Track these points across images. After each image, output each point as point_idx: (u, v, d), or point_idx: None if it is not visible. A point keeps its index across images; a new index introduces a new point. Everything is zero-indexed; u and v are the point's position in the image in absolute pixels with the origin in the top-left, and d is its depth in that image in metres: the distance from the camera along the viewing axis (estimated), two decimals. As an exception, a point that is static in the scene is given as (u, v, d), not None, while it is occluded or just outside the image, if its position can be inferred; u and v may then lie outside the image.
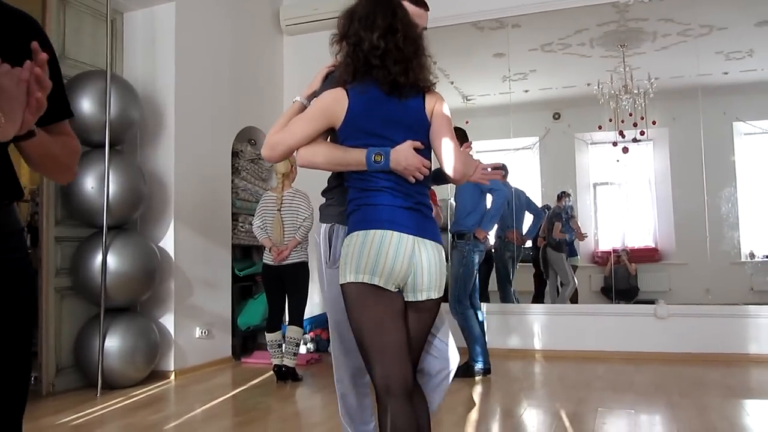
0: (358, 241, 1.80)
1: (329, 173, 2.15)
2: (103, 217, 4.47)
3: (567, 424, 3.49)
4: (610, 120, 6.92)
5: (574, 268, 6.96)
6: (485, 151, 7.40)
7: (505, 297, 6.40)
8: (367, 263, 1.77)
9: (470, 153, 2.12)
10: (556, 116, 7.78)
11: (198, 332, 5.24)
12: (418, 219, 1.85)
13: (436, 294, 1.85)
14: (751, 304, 5.75)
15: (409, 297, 1.84)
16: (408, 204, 1.84)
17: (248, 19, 6.26)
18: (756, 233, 6.94)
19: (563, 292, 6.72)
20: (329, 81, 1.98)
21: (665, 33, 6.48)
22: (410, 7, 2.05)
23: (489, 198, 4.88)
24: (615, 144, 6.98)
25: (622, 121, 6.87)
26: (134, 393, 4.43)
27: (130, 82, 4.95)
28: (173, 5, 5.16)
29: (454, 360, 2.13)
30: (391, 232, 1.79)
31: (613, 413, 3.79)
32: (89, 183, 4.50)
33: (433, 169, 1.94)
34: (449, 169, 1.87)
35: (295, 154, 1.95)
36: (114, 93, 4.59)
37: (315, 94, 1.99)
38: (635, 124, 6.81)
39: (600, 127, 7.09)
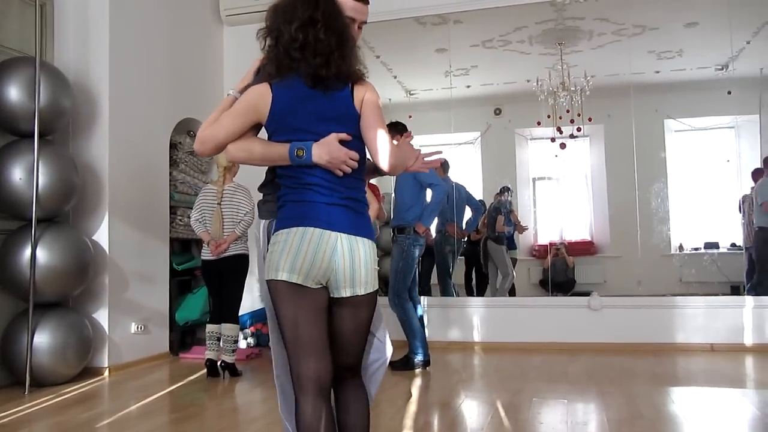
0: (281, 238, 1.81)
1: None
2: (32, 209, 4.30)
3: (503, 414, 3.57)
4: (549, 116, 7.09)
5: (514, 261, 7.10)
6: (428, 145, 7.44)
7: (445, 290, 6.48)
8: (287, 261, 1.78)
9: (411, 143, 2.07)
10: (497, 112, 7.92)
11: (134, 327, 5.12)
12: (344, 215, 1.83)
13: (362, 290, 1.83)
14: (679, 295, 6.00)
15: (334, 294, 1.84)
16: (333, 200, 1.82)
17: (187, 8, 6.12)
18: (685, 227, 7.25)
19: (502, 284, 6.85)
20: (261, 74, 1.95)
21: (601, 32, 6.68)
22: (349, 2, 2.04)
23: (429, 192, 4.93)
24: (553, 140, 7.15)
25: (560, 118, 7.05)
26: (65, 390, 4.30)
27: (62, 69, 4.77)
28: (107, -9, 5.00)
29: (389, 350, 2.17)
30: (312, 229, 1.78)
31: (547, 403, 3.89)
32: (17, 174, 4.32)
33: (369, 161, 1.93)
34: (380, 161, 1.84)
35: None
36: (44, 81, 4.42)
37: (248, 87, 1.97)
38: (572, 121, 7.00)
39: (539, 123, 7.26)
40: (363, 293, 1.84)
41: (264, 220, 2.11)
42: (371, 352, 2.10)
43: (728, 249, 6.98)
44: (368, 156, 1.90)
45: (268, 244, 2.04)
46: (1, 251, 4.41)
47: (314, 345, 1.81)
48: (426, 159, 2.06)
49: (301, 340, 1.81)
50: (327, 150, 1.78)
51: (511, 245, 7.14)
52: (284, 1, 1.85)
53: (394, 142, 1.89)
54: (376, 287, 1.89)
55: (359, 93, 1.85)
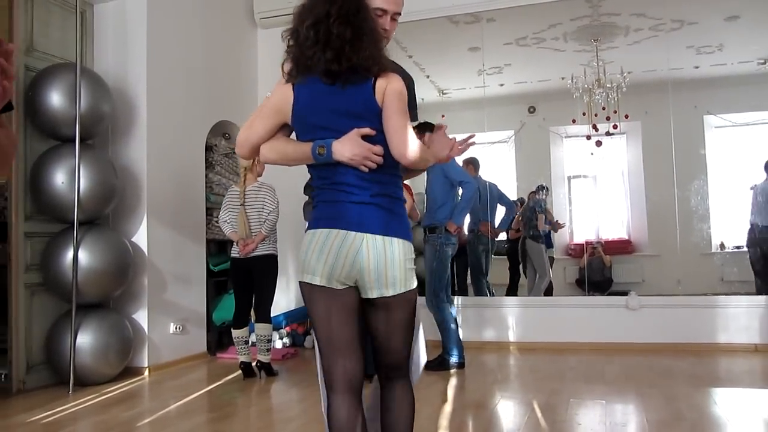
0: (307, 239, 1.84)
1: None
2: (74, 212, 4.41)
3: (539, 415, 3.53)
4: (584, 114, 6.99)
5: (552, 260, 7.03)
6: (461, 144, 7.42)
7: (479, 290, 6.44)
8: (310, 263, 1.80)
9: (445, 133, 2.02)
10: (531, 110, 7.84)
11: (172, 328, 5.21)
12: (374, 214, 1.78)
13: (391, 291, 1.79)
14: (720, 294, 5.86)
15: (364, 295, 1.83)
16: (364, 199, 1.78)
17: (222, 11, 6.20)
18: (726, 225, 7.07)
19: (539, 284, 6.78)
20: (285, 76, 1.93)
21: (637, 27, 6.56)
22: None
23: (459, 191, 4.90)
24: (589, 137, 7.04)
25: (596, 115, 6.94)
26: (107, 390, 4.39)
27: (101, 75, 4.88)
28: (144, -3, 5.10)
29: (423, 357, 2.17)
30: (336, 231, 1.78)
31: (584, 404, 3.84)
32: (59, 178, 4.44)
33: None
34: (397, 155, 1.77)
35: None
36: (84, 86, 4.53)
37: None
38: (608, 118, 6.89)
39: (574, 121, 7.16)
40: (392, 294, 1.80)
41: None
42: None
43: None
44: None
45: None
46: (45, 253, 4.53)
47: (344, 345, 1.81)
48: (460, 147, 2.02)
49: (331, 340, 1.82)
50: (348, 146, 1.75)
51: (549, 244, 7.06)
52: (308, 1, 1.82)
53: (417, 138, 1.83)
54: (411, 287, 1.85)
55: (381, 85, 1.77)
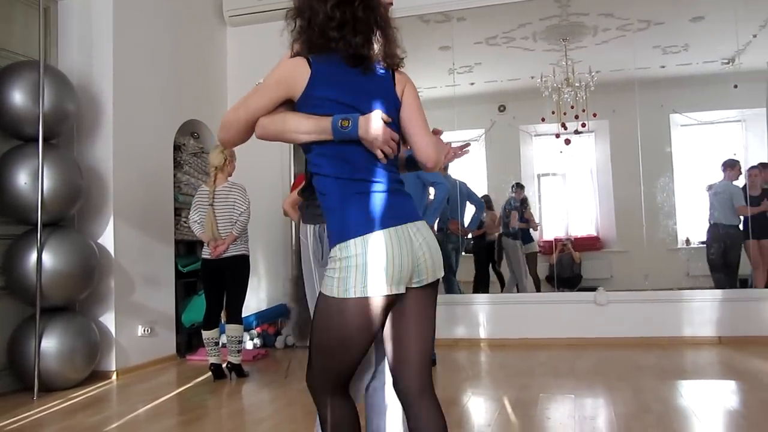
0: (357, 250, 1.60)
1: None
2: (37, 214, 4.32)
3: (510, 410, 3.56)
4: (553, 112, 7.06)
5: (534, 255, 7.10)
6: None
7: (450, 288, 6.46)
8: (387, 270, 1.60)
9: (441, 138, 2.01)
10: (501, 108, 7.89)
11: (140, 330, 5.13)
12: (403, 202, 1.71)
13: (441, 272, 1.74)
14: (686, 288, 5.97)
15: (414, 284, 1.68)
16: (388, 187, 1.69)
17: (190, 9, 6.13)
18: (691, 221, 7.21)
19: (511, 281, 6.84)
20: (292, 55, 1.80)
21: (605, 27, 6.64)
22: None
23: (431, 191, 4.91)
24: (558, 136, 7.11)
25: (565, 114, 7.02)
26: (73, 395, 4.31)
27: (66, 73, 4.78)
28: (110, -6, 5.02)
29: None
30: (387, 230, 1.63)
31: (554, 398, 3.88)
32: (22, 178, 4.34)
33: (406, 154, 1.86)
34: (424, 157, 1.76)
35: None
36: (48, 84, 4.43)
37: None
38: (577, 117, 6.96)
39: (543, 119, 7.23)
40: (441, 275, 1.76)
41: (311, 225, 2.02)
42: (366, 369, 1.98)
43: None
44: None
45: (321, 248, 1.97)
46: (7, 256, 4.43)
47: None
48: (456, 153, 2.02)
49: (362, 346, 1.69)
50: (374, 125, 1.64)
51: (527, 239, 7.12)
52: None
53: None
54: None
55: (400, 82, 1.76)
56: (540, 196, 7.93)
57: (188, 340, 5.94)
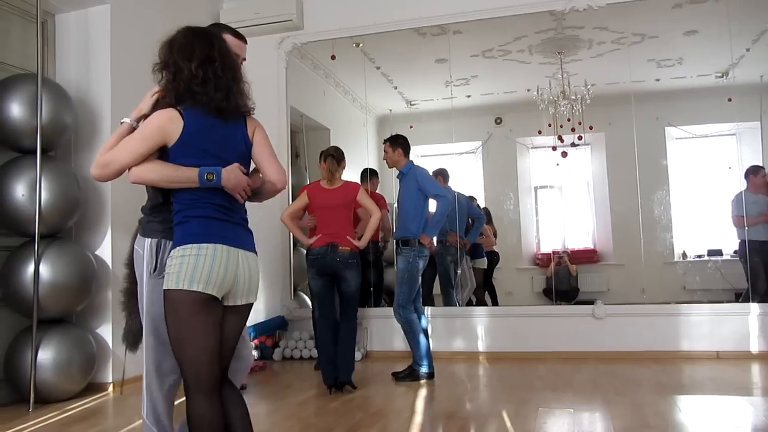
0: (193, 252, 1.97)
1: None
2: (35, 226, 4.31)
3: (509, 424, 3.55)
4: (550, 125, 7.11)
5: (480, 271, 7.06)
6: (429, 155, 7.49)
7: (448, 300, 6.45)
8: (202, 274, 1.95)
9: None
10: (498, 121, 7.94)
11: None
12: (242, 233, 2.10)
13: (254, 298, 2.12)
14: (683, 302, 5.98)
15: (230, 302, 2.06)
16: (234, 219, 2.08)
17: (187, 22, 6.04)
18: (688, 234, 7.24)
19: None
20: (159, 105, 2.12)
21: (600, 41, 6.69)
22: (230, 39, 2.35)
23: (432, 203, 4.91)
24: (554, 148, 7.16)
25: (561, 126, 7.06)
26: (70, 407, 4.28)
27: (63, 85, 4.79)
28: (108, 7, 5.02)
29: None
30: (222, 246, 1.99)
31: (553, 412, 3.87)
32: (20, 190, 4.33)
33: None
34: (275, 179, 2.16)
35: (127, 172, 2.05)
36: (45, 97, 4.43)
37: (144, 117, 2.13)
38: (573, 129, 7.00)
39: (540, 132, 7.27)
40: (253, 301, 2.13)
41: (149, 239, 2.31)
42: (241, 350, 2.38)
43: (731, 256, 6.93)
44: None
45: (155, 260, 2.27)
46: (4, 268, 4.41)
47: (215, 351, 2.03)
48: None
49: (205, 347, 2.00)
50: (234, 176, 2.03)
51: (477, 255, 7.07)
52: (179, 39, 2.15)
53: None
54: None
55: (251, 125, 2.16)
56: (537, 208, 7.96)
57: (185, 353, 5.89)
